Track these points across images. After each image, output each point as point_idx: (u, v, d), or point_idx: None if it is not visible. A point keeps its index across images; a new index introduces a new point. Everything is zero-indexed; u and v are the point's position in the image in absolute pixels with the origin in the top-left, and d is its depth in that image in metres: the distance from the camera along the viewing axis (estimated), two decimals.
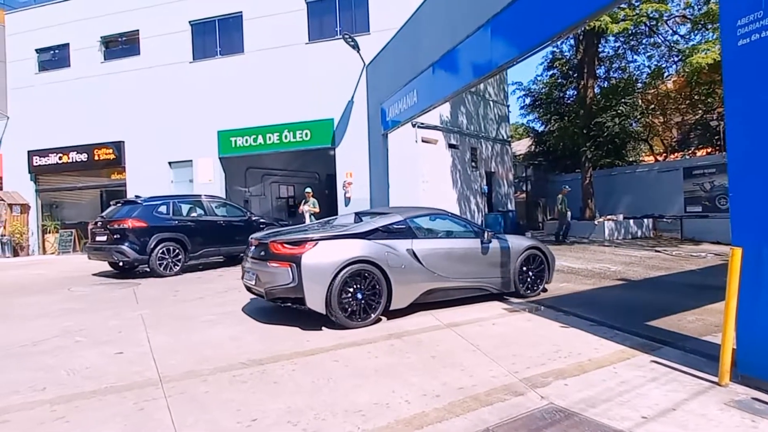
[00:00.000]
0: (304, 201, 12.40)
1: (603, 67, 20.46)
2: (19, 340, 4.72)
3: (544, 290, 6.55)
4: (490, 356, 3.94)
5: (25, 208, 15.05)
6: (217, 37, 14.02)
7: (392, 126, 11.08)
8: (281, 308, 5.33)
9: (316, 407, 3.03)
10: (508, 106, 19.53)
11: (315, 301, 4.72)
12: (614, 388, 3.25)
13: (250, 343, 4.47)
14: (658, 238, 14.83)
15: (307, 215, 12.09)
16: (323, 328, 4.86)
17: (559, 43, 19.19)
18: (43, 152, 15.19)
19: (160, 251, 8.62)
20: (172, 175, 14.21)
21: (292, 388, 3.36)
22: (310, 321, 5.00)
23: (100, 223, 8.88)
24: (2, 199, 14.49)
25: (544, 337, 4.47)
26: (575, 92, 19.94)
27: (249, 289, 5.55)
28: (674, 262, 9.75)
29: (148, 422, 2.87)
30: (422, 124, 12.96)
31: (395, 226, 5.46)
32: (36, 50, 15.60)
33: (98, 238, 8.80)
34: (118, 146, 14.58)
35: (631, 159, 21.92)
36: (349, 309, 4.84)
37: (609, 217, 15.88)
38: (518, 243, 6.30)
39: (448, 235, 6.07)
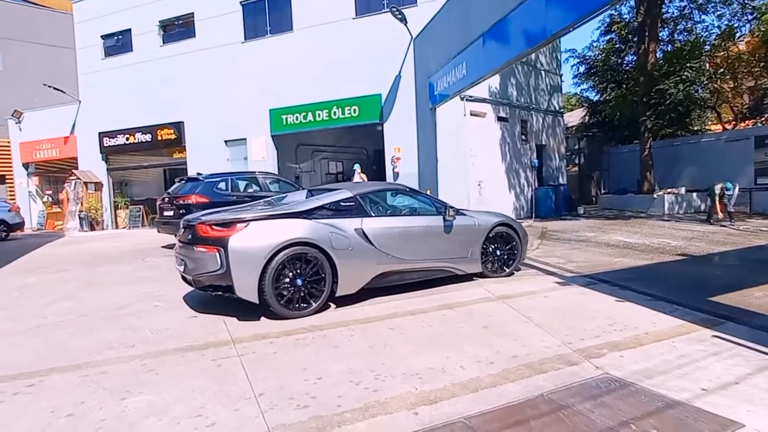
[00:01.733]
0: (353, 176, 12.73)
1: (666, 29, 19.04)
2: (107, 304, 5.26)
3: (517, 269, 6.22)
4: (543, 327, 3.99)
5: (98, 185, 16.33)
6: (267, 16, 14.26)
7: (440, 100, 10.98)
8: None
9: (375, 369, 3.24)
10: (560, 76, 18.69)
11: (245, 290, 4.28)
12: (672, 360, 3.24)
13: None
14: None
15: None
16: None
17: (618, 5, 18.02)
18: (112, 133, 16.29)
19: None
20: (228, 153, 14.86)
21: (351, 352, 3.58)
22: (366, 293, 5.21)
23: (167, 199, 9.49)
24: (79, 178, 15.78)
25: (598, 310, 4.46)
26: (635, 58, 18.75)
27: (183, 277, 5.00)
28: (741, 237, 9.21)
29: (226, 377, 3.18)
30: (471, 97, 12.69)
31: (343, 204, 5.00)
32: (101, 36, 16.55)
33: (166, 213, 9.42)
34: (178, 126, 15.37)
35: (695, 128, 20.50)
36: (288, 297, 4.42)
37: (669, 190, 15.07)
38: (485, 220, 5.87)
39: (405, 212, 5.65)
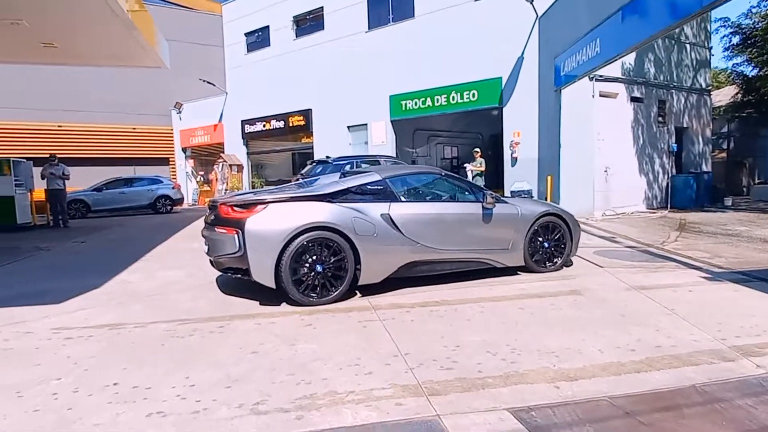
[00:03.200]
0: (472, 160, 12.77)
1: None
2: None
3: (569, 264, 5.66)
4: (690, 321, 3.77)
5: (240, 168, 18.64)
6: (390, 4, 14.74)
7: (566, 81, 10.45)
8: None
9: (510, 344, 3.38)
10: (709, 49, 16.41)
11: (261, 274, 4.21)
12: None
13: (439, 285, 4.98)
14: None
15: (470, 174, 12.49)
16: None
17: None
18: (252, 121, 18.38)
19: None
20: (350, 138, 15.80)
21: (483, 326, 3.76)
22: (504, 271, 5.34)
23: (300, 179, 10.50)
24: (225, 161, 18.11)
25: (756, 308, 4.06)
26: None
27: (210, 260, 4.91)
28: None
29: (373, 337, 3.57)
30: (601, 76, 11.80)
31: (370, 187, 4.78)
32: (245, 34, 18.66)
33: None
34: (306, 113, 16.76)
35: None
36: (307, 283, 4.30)
37: None
38: (530, 209, 5.46)
39: (439, 198, 5.35)
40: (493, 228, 5.18)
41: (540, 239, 5.48)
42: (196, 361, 3.16)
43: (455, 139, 17.45)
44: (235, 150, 18.98)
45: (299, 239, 4.24)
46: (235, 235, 4.24)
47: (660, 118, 13.94)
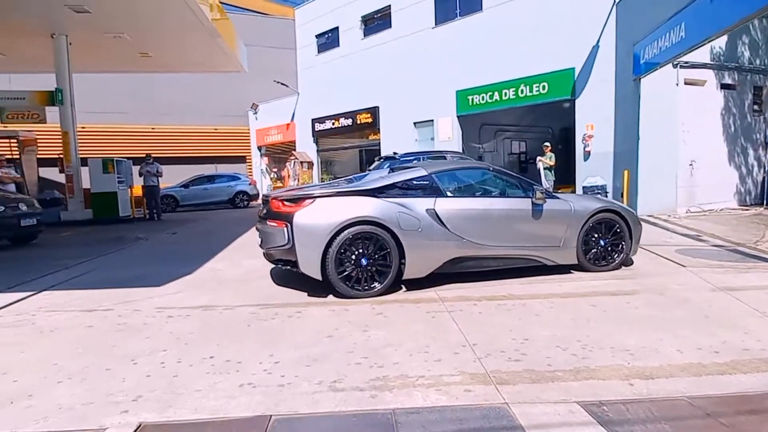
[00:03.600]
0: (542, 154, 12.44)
1: None
2: None
3: (627, 264, 5.26)
4: None
5: (310, 164, 19.49)
6: None
7: (646, 69, 9.83)
8: None
9: (581, 340, 3.35)
10: None
11: (308, 266, 4.37)
12: None
13: (507, 280, 4.98)
14: None
15: (541, 168, 12.16)
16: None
17: None
18: (322, 119, 19.14)
19: None
20: (416, 134, 15.90)
21: (553, 321, 3.74)
22: (556, 270, 5.24)
23: None
24: (296, 158, 19.00)
25: None
26: None
27: (263, 253, 5.06)
28: None
29: (441, 327, 3.68)
30: (686, 63, 10.94)
31: (416, 182, 4.80)
32: (315, 36, 19.40)
33: None
34: (374, 111, 17.11)
35: None
36: (352, 276, 4.41)
37: None
38: (584, 205, 5.22)
39: (487, 193, 5.22)
40: (543, 224, 5.06)
41: (595, 237, 5.28)
42: (279, 341, 3.46)
43: (523, 134, 16.98)
44: (306, 147, 19.85)
45: (344, 233, 4.34)
46: (284, 229, 4.42)
47: (755, 107, 12.69)
